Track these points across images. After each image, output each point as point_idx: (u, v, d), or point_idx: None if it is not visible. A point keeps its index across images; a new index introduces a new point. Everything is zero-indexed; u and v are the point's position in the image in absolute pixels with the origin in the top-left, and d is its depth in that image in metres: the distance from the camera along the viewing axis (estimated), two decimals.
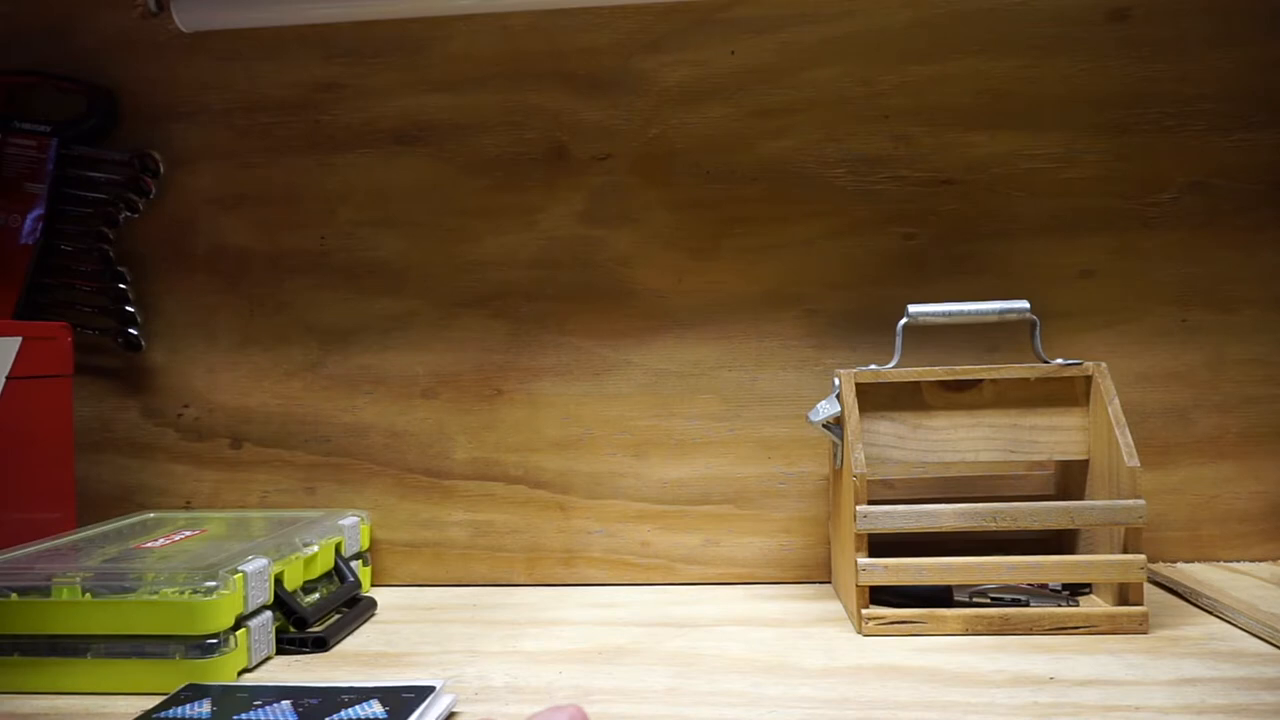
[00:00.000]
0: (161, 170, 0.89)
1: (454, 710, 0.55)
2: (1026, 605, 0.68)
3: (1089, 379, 0.72)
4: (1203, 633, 0.65)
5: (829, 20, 0.83)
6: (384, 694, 0.55)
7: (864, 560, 0.67)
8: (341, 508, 0.87)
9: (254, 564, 0.65)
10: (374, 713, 0.52)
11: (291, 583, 0.70)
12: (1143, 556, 0.65)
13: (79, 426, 0.88)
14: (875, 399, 0.73)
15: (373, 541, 0.87)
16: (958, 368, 0.72)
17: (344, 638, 0.70)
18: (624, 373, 0.85)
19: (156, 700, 0.55)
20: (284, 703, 0.54)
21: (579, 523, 0.85)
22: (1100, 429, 0.70)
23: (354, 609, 0.74)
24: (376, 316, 0.87)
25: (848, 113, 0.83)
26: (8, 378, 0.77)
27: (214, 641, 0.60)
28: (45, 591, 0.61)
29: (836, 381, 0.73)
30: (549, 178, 0.86)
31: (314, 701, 0.54)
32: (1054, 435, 0.72)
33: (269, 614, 0.66)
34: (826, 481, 0.83)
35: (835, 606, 0.75)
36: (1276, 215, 0.81)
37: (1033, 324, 0.73)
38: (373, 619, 0.76)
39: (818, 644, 0.65)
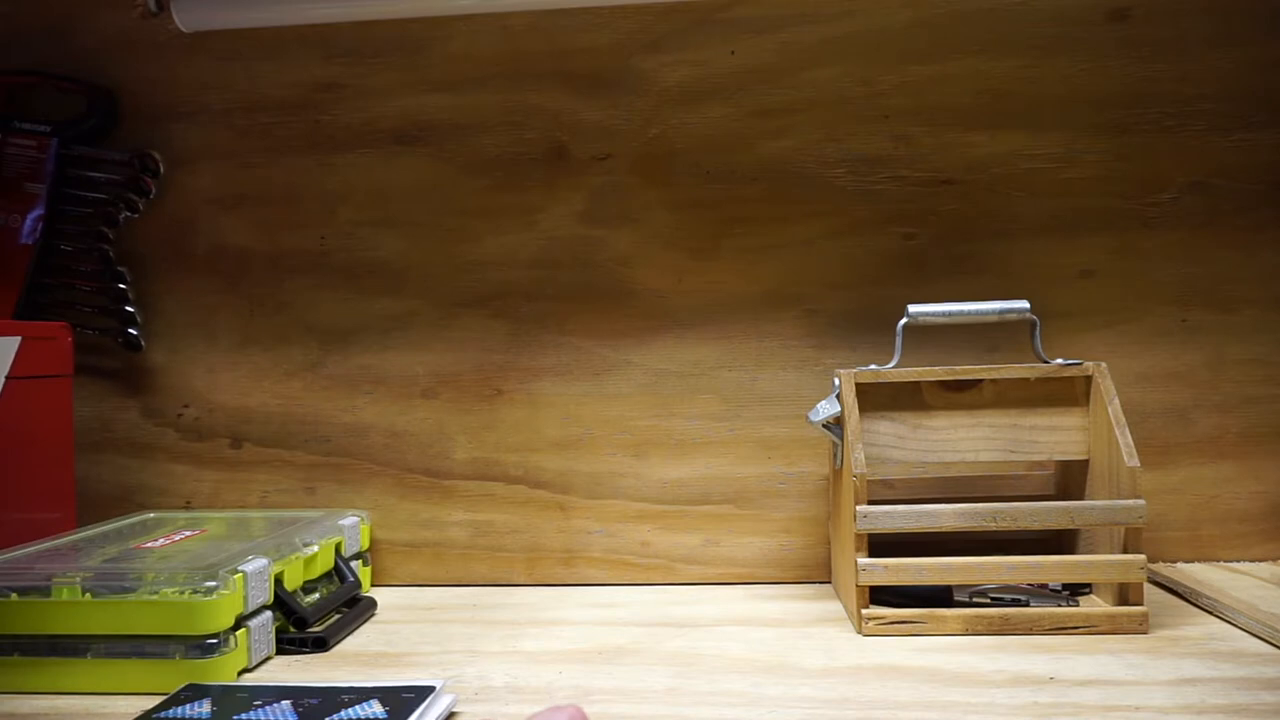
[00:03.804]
0: (161, 170, 0.89)
1: (454, 710, 0.55)
2: (1026, 605, 0.68)
3: (1089, 379, 0.72)
4: (1203, 633, 0.65)
5: (829, 20, 0.83)
6: (384, 694, 0.55)
7: (864, 560, 0.67)
8: (341, 508, 0.87)
9: (254, 564, 0.65)
10: (374, 713, 0.52)
11: (291, 583, 0.70)
12: (1143, 556, 0.65)
13: (79, 426, 0.88)
14: (875, 399, 0.73)
15: (373, 541, 0.87)
16: (958, 368, 0.72)
17: (344, 638, 0.70)
18: (624, 373, 0.85)
19: (156, 700, 0.55)
20: (284, 703, 0.54)
21: (579, 523, 0.85)
22: (1100, 429, 0.70)
23: (354, 609, 0.74)
24: (376, 316, 0.87)
25: (848, 113, 0.83)
26: (8, 378, 0.77)
27: (214, 641, 0.60)
28: (45, 591, 0.61)
29: (836, 381, 0.73)
30: (549, 178, 0.86)
31: (314, 701, 0.54)
32: (1054, 435, 0.72)
33: (269, 614, 0.66)
34: (826, 481, 0.83)
35: (835, 606, 0.75)
36: (1276, 215, 0.81)
37: (1033, 324, 0.73)
38: (373, 619, 0.76)
39: (818, 644, 0.65)
